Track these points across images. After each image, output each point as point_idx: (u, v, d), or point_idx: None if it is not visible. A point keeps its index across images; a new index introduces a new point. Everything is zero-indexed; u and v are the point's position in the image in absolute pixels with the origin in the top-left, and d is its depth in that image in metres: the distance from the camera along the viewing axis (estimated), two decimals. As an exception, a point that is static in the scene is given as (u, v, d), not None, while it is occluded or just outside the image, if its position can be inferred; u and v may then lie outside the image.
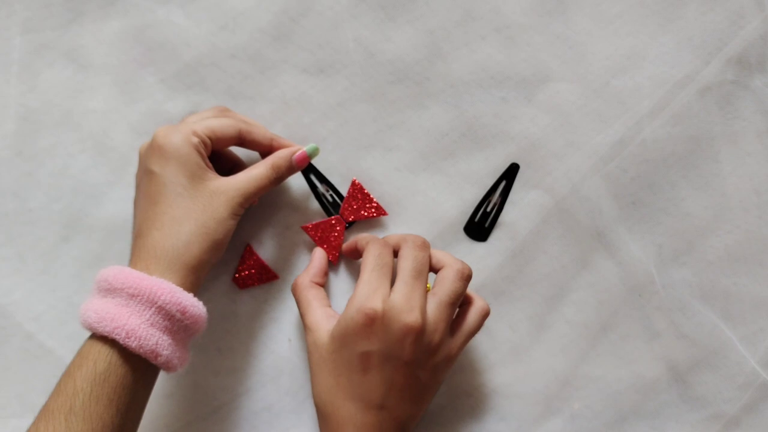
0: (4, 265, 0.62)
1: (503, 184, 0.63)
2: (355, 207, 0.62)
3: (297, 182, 0.63)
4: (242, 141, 0.57)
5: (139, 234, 0.53)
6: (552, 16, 0.63)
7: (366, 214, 0.62)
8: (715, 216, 0.63)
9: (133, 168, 0.62)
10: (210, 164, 0.55)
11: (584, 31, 0.63)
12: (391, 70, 0.63)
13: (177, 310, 0.50)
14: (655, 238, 0.63)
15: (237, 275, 0.62)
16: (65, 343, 0.62)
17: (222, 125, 0.56)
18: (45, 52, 0.62)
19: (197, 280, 0.53)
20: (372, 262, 0.54)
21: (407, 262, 0.53)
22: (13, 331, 0.61)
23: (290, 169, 0.58)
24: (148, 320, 0.49)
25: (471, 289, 0.63)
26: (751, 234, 0.63)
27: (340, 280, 0.63)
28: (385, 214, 0.63)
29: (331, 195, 0.63)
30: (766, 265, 0.63)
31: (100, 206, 0.63)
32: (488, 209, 0.63)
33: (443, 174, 0.63)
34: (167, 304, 0.49)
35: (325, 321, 0.55)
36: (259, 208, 0.63)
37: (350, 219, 0.62)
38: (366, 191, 0.62)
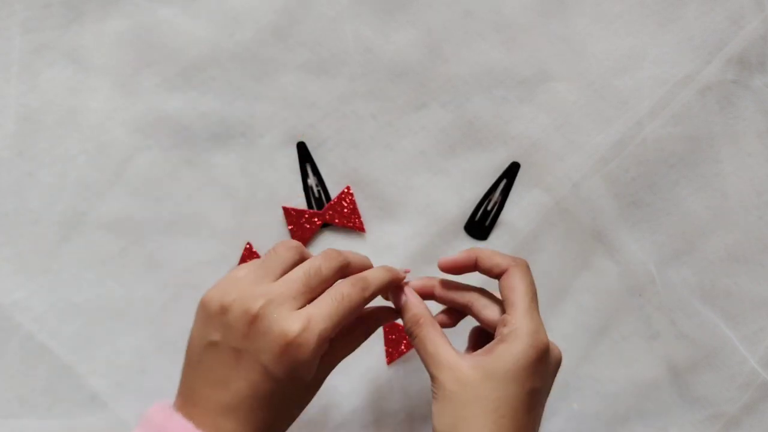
0: (4, 265, 0.62)
1: (504, 183, 0.63)
2: (338, 212, 0.62)
3: (297, 179, 0.63)
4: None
5: (223, 387, 0.45)
6: (553, 16, 0.62)
7: (347, 223, 0.62)
8: (716, 216, 0.63)
9: (133, 168, 0.62)
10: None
11: (585, 31, 0.62)
12: (391, 68, 0.63)
13: None
14: (655, 237, 0.63)
15: (237, 275, 0.62)
16: (65, 343, 0.62)
17: (350, 310, 0.46)
18: (45, 52, 0.62)
19: None
20: (532, 291, 0.49)
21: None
22: (13, 331, 0.61)
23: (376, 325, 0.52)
24: None
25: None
26: (751, 234, 0.63)
27: None
28: (362, 231, 0.63)
29: (318, 191, 0.63)
30: (766, 265, 0.63)
31: (100, 206, 0.62)
32: (489, 208, 0.63)
33: (444, 173, 0.63)
34: None
35: (460, 358, 0.47)
36: (259, 207, 0.63)
37: (333, 221, 0.62)
38: (356, 204, 0.63)
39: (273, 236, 0.63)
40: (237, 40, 0.62)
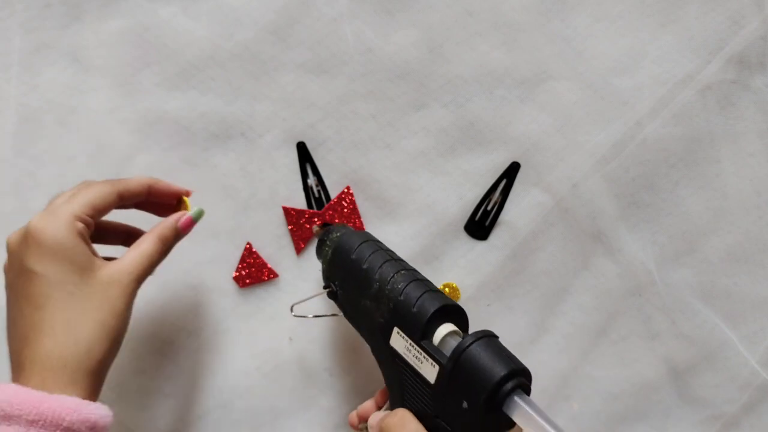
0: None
1: (504, 182, 0.63)
2: (338, 212, 0.62)
3: (297, 179, 0.63)
4: (121, 203, 0.52)
5: (24, 343, 0.46)
6: (553, 16, 0.62)
7: (347, 223, 0.62)
8: (716, 216, 0.63)
9: (134, 168, 0.62)
10: (94, 248, 0.50)
11: (585, 31, 0.62)
12: (392, 68, 0.63)
13: (87, 428, 0.44)
14: (655, 238, 0.63)
15: (237, 274, 0.63)
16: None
17: (100, 195, 0.50)
18: (45, 52, 0.62)
19: (101, 383, 0.48)
20: None
21: None
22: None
23: (177, 237, 0.54)
24: None
25: (471, 288, 0.63)
26: (751, 234, 0.63)
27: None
28: (362, 229, 0.63)
29: (318, 191, 0.63)
30: (766, 265, 0.63)
31: (100, 206, 0.63)
32: (489, 208, 0.63)
33: (444, 172, 0.63)
34: (74, 423, 0.44)
35: None
36: (259, 207, 0.63)
37: (333, 222, 0.62)
38: (356, 204, 0.63)
39: (273, 236, 0.63)
40: (237, 40, 0.62)
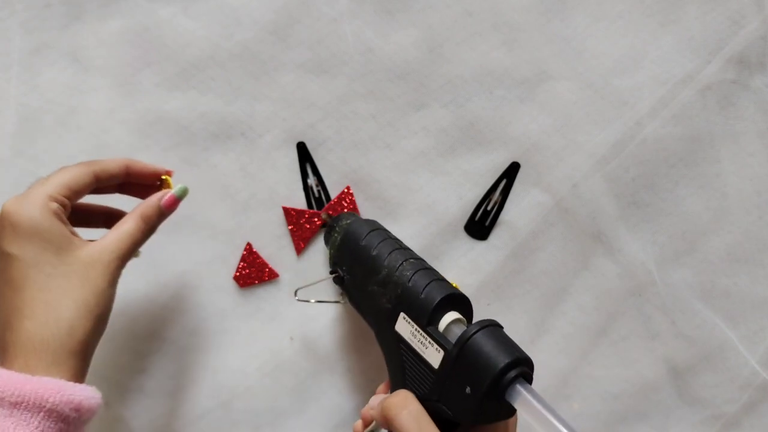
0: (4, 265, 0.62)
1: (504, 182, 0.63)
2: (339, 212, 0.62)
3: (297, 179, 0.63)
4: (98, 183, 0.52)
5: (7, 327, 0.46)
6: (553, 16, 0.62)
7: None
8: (716, 216, 0.63)
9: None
10: (73, 229, 0.50)
11: (585, 31, 0.62)
12: (392, 68, 0.63)
13: (71, 409, 0.44)
14: (655, 238, 0.63)
15: (237, 273, 0.63)
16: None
17: (75, 176, 0.50)
18: (45, 52, 0.62)
19: (86, 364, 0.48)
20: None
21: None
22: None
23: (161, 216, 0.53)
24: (36, 430, 0.43)
25: (471, 288, 0.63)
26: (751, 234, 0.62)
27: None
28: None
29: (318, 191, 0.63)
30: (766, 265, 0.63)
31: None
32: (489, 208, 0.63)
33: (444, 172, 0.63)
34: (58, 405, 0.44)
35: None
36: (259, 207, 0.63)
37: None
38: (356, 204, 0.63)
39: (273, 236, 0.63)
40: (237, 40, 0.62)
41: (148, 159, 0.62)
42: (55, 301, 0.46)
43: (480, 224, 0.63)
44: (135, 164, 0.54)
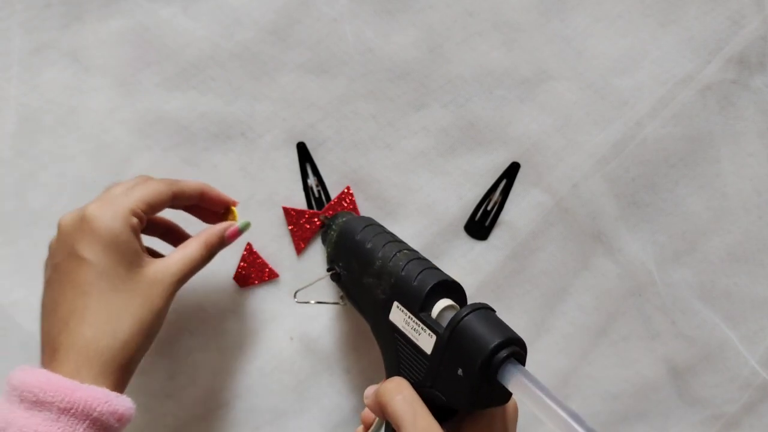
0: (4, 265, 0.62)
1: (504, 182, 0.63)
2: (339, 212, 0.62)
3: (297, 179, 0.63)
4: (173, 203, 0.53)
5: (64, 327, 0.47)
6: (553, 16, 0.62)
7: None
8: (716, 216, 0.63)
9: (133, 168, 0.62)
10: (143, 245, 0.51)
11: (585, 31, 0.62)
12: (392, 68, 0.63)
13: (114, 419, 0.45)
14: (655, 238, 0.63)
15: (238, 273, 0.63)
16: (66, 343, 0.62)
17: (156, 194, 0.51)
18: (45, 52, 0.62)
19: (129, 378, 0.49)
20: None
21: None
22: (13, 331, 0.61)
23: (221, 245, 0.55)
24: None
25: (471, 288, 0.63)
26: (751, 234, 0.63)
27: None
28: None
29: (318, 191, 0.63)
30: (766, 265, 0.63)
31: (100, 206, 0.62)
32: (489, 208, 0.63)
33: (444, 172, 0.63)
34: (103, 414, 0.45)
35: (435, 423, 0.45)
36: (259, 207, 0.63)
37: None
38: (356, 204, 0.63)
39: (273, 236, 0.63)
40: (237, 40, 0.62)
41: (148, 159, 0.62)
42: (116, 313, 0.47)
43: (480, 224, 0.63)
44: (210, 191, 0.56)
